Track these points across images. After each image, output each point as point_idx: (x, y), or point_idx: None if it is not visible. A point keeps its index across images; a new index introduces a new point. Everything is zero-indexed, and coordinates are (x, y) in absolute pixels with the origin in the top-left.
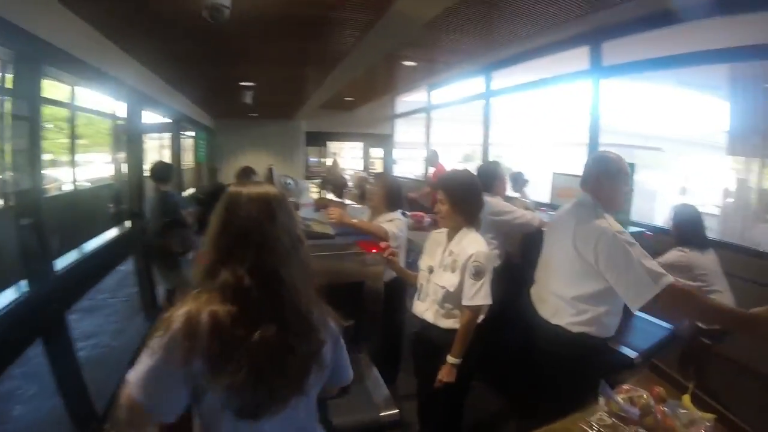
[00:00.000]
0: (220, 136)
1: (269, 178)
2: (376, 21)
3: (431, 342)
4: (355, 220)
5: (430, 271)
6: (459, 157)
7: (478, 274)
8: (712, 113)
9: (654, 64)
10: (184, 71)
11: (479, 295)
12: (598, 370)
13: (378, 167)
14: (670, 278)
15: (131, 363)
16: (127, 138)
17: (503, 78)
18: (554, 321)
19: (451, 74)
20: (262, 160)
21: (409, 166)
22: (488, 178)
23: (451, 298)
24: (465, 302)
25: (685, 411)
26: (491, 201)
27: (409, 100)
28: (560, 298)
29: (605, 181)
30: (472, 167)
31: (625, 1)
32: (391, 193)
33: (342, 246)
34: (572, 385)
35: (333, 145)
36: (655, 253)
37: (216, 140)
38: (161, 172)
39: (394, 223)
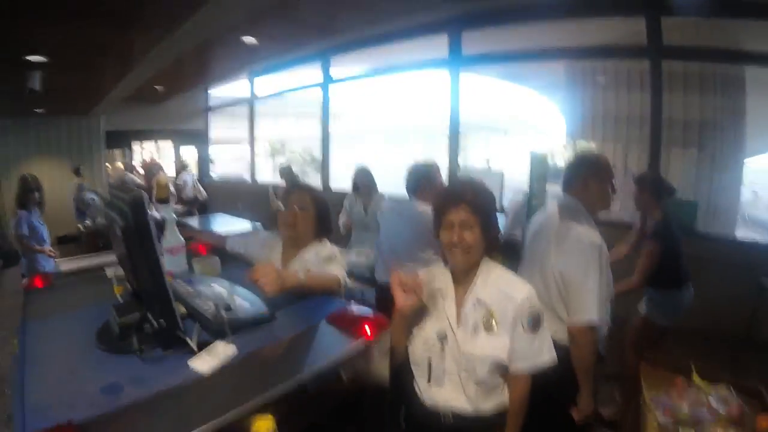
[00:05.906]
0: None
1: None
2: None
3: None
4: (300, 276)
5: (441, 338)
6: (263, 151)
7: (536, 324)
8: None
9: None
10: None
11: (544, 350)
12: None
13: (193, 168)
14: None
15: None
16: None
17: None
18: None
19: (280, 59)
20: (54, 170)
21: (229, 166)
22: (425, 182)
23: (499, 368)
24: (523, 366)
25: (716, 394)
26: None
27: (223, 95)
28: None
29: (592, 182)
30: (279, 163)
31: None
32: (323, 214)
33: (304, 336)
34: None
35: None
36: None
37: None
38: None
39: (338, 263)
